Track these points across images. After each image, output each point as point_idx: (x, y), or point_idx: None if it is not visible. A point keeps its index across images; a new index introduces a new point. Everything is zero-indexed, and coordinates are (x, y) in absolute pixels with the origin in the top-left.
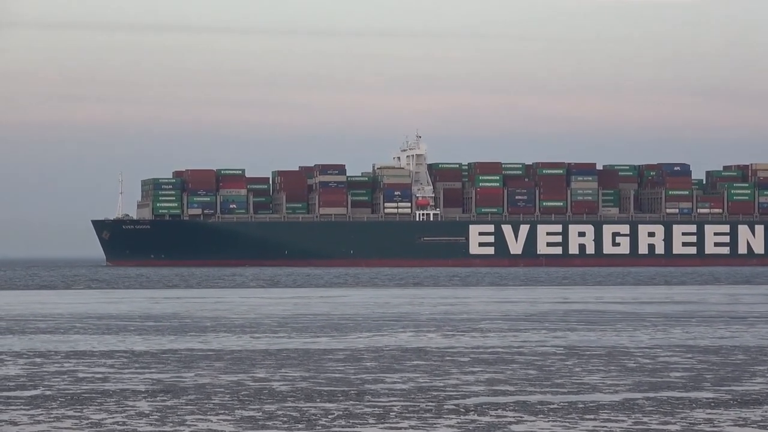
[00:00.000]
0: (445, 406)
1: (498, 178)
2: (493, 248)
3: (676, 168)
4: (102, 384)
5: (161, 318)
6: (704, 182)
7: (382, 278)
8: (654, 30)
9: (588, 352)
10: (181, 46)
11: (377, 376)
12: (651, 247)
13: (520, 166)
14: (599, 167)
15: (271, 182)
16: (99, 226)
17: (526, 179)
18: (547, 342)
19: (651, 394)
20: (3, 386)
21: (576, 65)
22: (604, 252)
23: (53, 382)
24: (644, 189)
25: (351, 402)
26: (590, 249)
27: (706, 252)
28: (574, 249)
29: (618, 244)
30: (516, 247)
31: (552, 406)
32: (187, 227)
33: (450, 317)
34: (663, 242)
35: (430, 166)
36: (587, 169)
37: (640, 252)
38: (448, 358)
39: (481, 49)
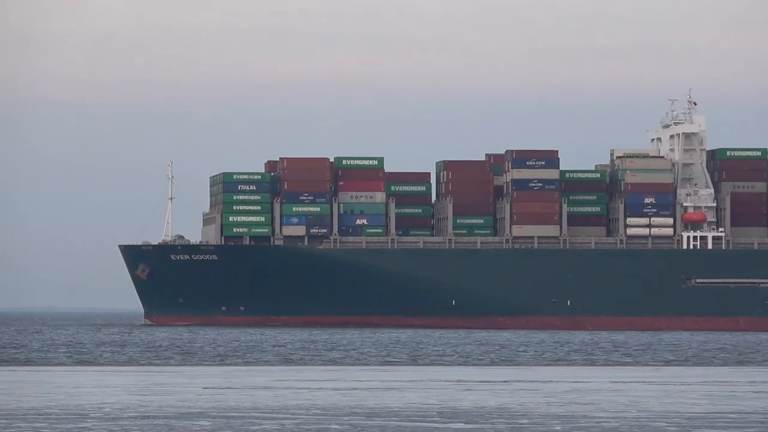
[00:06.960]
0: None
1: None
2: None
3: None
4: None
5: (476, 415)
6: None
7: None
8: None
9: None
10: None
11: None
12: None
13: None
14: None
15: (433, 181)
16: (131, 255)
17: None
18: None
19: None
20: None
21: None
22: None
23: None
24: None
25: None
26: None
27: None
28: None
29: None
30: None
31: None
32: (281, 258)
33: None
34: None
35: (710, 155)
36: None
37: None
38: None
39: None
